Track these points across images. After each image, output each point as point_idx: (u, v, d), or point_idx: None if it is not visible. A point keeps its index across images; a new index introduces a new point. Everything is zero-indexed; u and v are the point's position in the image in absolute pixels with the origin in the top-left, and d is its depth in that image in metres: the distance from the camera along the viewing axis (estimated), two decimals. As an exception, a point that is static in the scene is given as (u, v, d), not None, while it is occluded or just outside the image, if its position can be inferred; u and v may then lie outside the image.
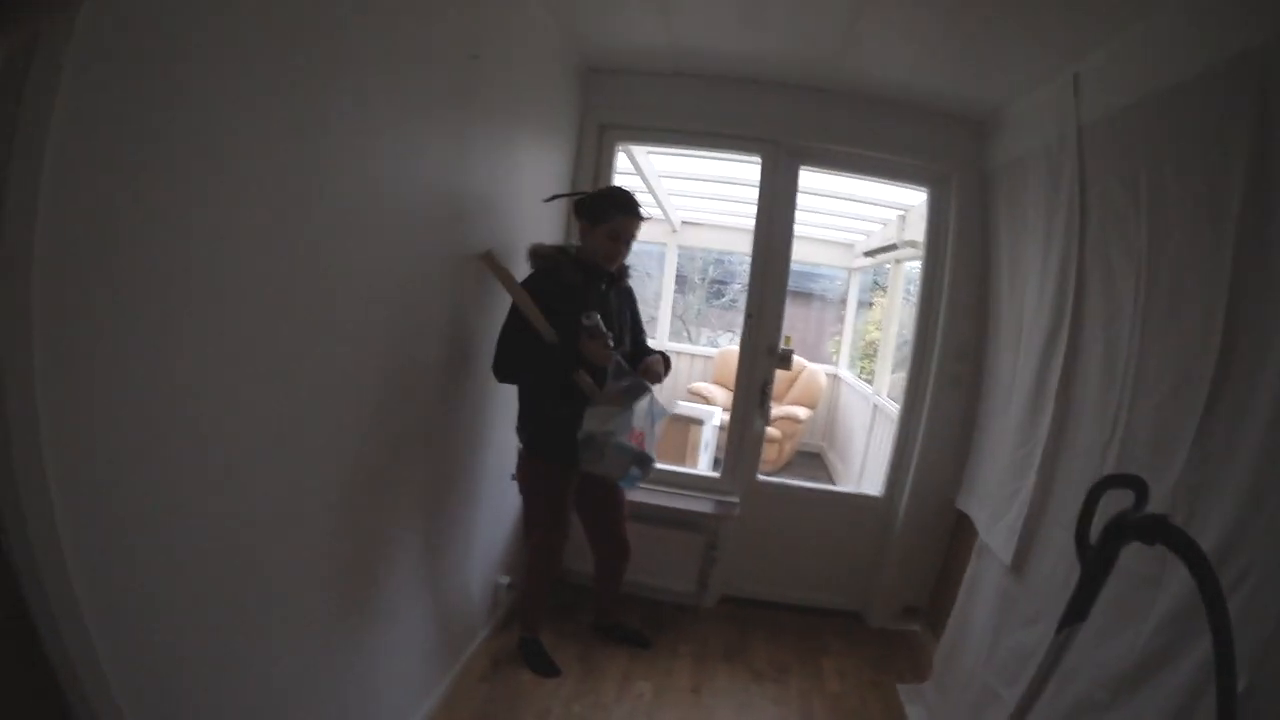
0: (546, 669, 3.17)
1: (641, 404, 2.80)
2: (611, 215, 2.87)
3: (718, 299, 12.41)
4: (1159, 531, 1.43)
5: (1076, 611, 1.63)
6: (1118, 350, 2.30)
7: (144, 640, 1.34)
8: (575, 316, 2.73)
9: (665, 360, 3.09)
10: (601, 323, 2.74)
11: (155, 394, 1.30)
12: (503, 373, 2.75)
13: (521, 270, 2.85)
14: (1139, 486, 1.55)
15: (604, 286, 2.96)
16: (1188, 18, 2.05)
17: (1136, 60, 2.33)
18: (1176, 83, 2.09)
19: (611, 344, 2.77)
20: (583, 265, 2.89)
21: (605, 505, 3.20)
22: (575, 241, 3.05)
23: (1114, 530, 1.52)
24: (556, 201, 3.27)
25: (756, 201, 3.91)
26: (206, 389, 1.41)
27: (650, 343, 3.32)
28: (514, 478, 3.16)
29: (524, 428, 2.98)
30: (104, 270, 1.17)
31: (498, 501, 3.28)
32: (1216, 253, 1.84)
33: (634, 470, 2.78)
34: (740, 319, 4.01)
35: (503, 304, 2.79)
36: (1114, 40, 2.42)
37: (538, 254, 2.86)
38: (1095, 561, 1.58)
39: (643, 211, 2.94)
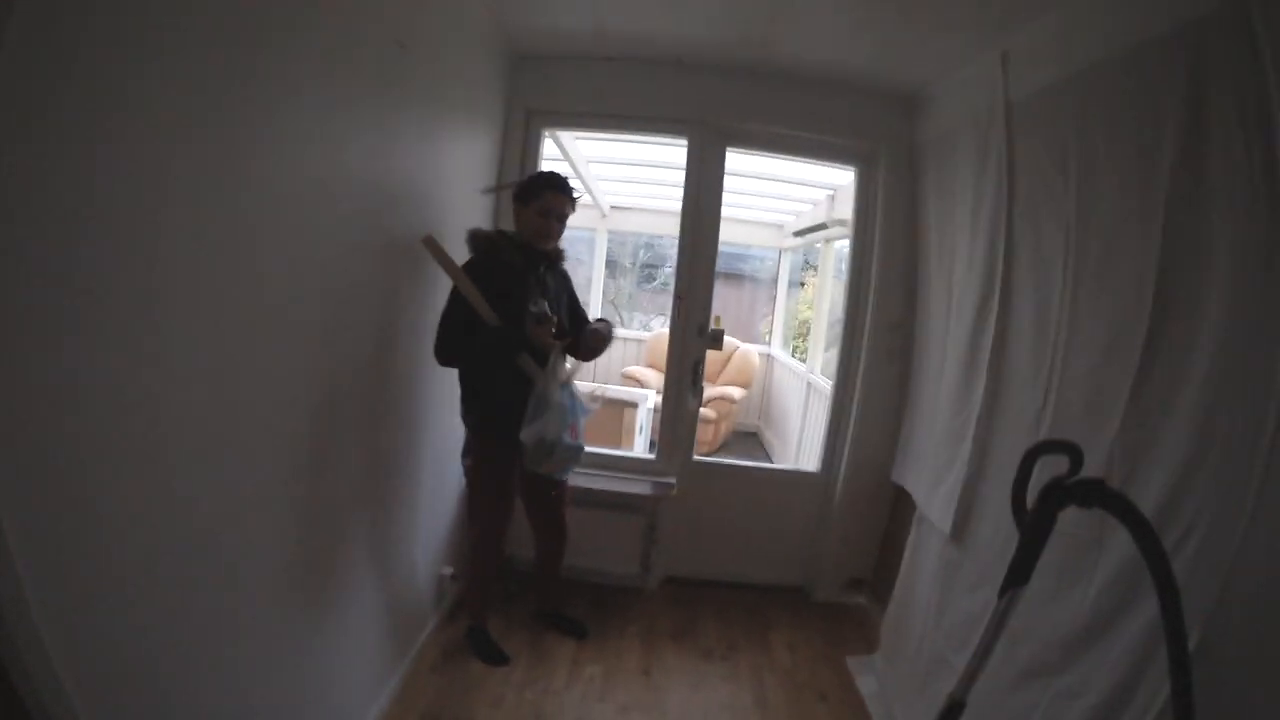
0: (495, 657, 3.16)
1: (574, 399, 2.86)
2: (541, 193, 2.91)
3: (649, 283, 12.41)
4: (1095, 495, 1.47)
5: (1018, 575, 1.66)
6: (1048, 316, 2.35)
7: (91, 638, 1.30)
8: (516, 298, 2.76)
9: (608, 326, 3.12)
10: (548, 308, 2.79)
11: (94, 392, 1.25)
12: (443, 355, 2.76)
13: (459, 255, 2.82)
14: (1073, 452, 1.58)
15: (542, 269, 2.97)
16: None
17: (1065, 37, 2.37)
18: (1107, 57, 2.13)
19: (555, 330, 2.81)
20: (520, 246, 2.91)
21: (546, 489, 3.19)
22: (509, 228, 3.06)
23: (1049, 495, 1.56)
24: (485, 189, 3.28)
25: (684, 183, 3.91)
26: (143, 385, 1.36)
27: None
28: (464, 459, 3.15)
29: (470, 411, 2.98)
30: (39, 271, 1.12)
31: (438, 489, 3.24)
32: (1146, 220, 1.89)
33: (572, 464, 2.86)
34: (671, 301, 4.01)
35: (438, 288, 2.78)
36: (1044, 17, 2.47)
37: (477, 238, 2.88)
38: (1033, 526, 1.61)
39: (572, 190, 2.97)
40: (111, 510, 1.33)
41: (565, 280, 3.17)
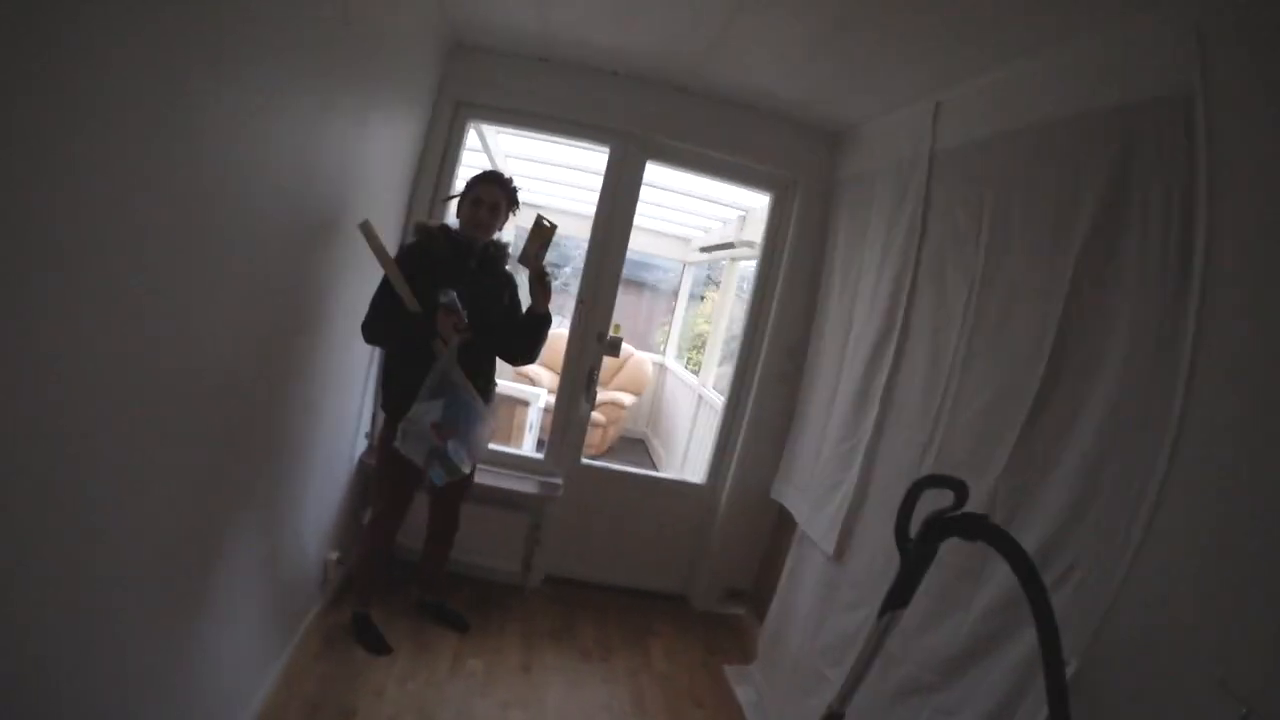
0: (378, 646, 3.13)
1: (455, 401, 2.82)
2: (474, 184, 2.99)
3: (552, 281, 12.34)
4: (979, 529, 1.58)
5: (897, 599, 1.76)
6: (943, 358, 2.49)
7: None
8: (438, 288, 2.79)
9: (537, 319, 3.07)
10: (457, 300, 2.78)
11: None
12: (369, 334, 2.86)
13: (386, 241, 2.82)
14: (958, 487, 1.69)
15: (474, 265, 2.99)
16: (1061, 68, 2.22)
17: (1001, 97, 2.50)
18: (1038, 121, 2.26)
19: (464, 323, 2.80)
20: (455, 242, 2.95)
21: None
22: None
23: (933, 526, 1.67)
24: (400, 178, 3.39)
25: (600, 191, 3.95)
26: (38, 367, 1.29)
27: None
28: (366, 436, 3.11)
29: (384, 395, 3.02)
30: None
31: (328, 473, 3.16)
32: (1053, 281, 2.01)
33: (435, 466, 2.79)
34: (570, 302, 4.04)
35: (353, 273, 2.77)
36: (981, 77, 2.60)
37: (419, 229, 2.95)
38: (916, 553, 1.72)
39: (509, 184, 3.05)
40: None
41: (507, 280, 3.17)
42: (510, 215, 3.10)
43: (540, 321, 3.05)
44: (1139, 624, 1.59)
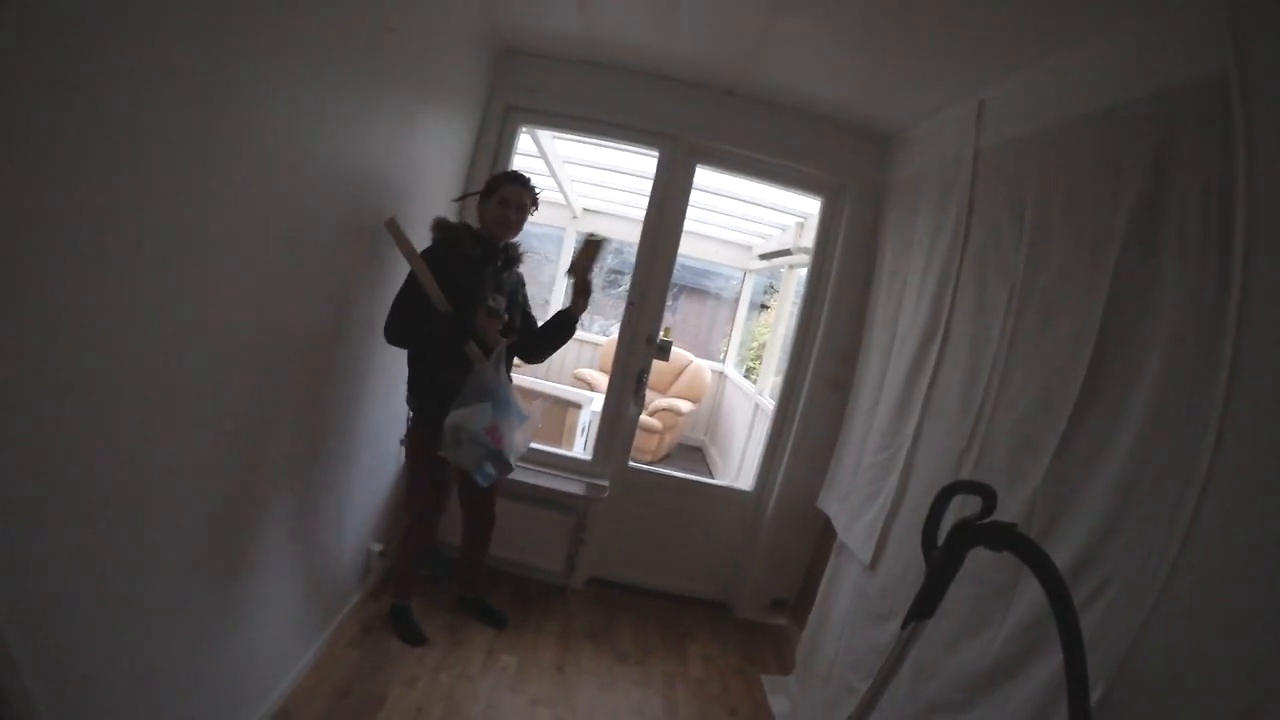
0: (414, 637, 3.18)
1: (506, 403, 2.84)
2: (500, 184, 2.99)
3: (613, 289, 12.39)
4: (1005, 538, 1.51)
5: (922, 609, 1.69)
6: (982, 365, 2.41)
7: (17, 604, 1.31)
8: (469, 288, 2.82)
9: (569, 322, 3.17)
10: (503, 308, 2.85)
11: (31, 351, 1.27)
12: (392, 335, 2.79)
13: (424, 240, 2.86)
14: (987, 494, 1.61)
15: (499, 264, 3.02)
16: (1100, 58, 2.14)
17: (1042, 93, 2.42)
18: (1077, 116, 2.19)
19: (502, 327, 2.85)
20: (481, 241, 2.96)
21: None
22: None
23: (959, 534, 1.59)
24: (450, 181, 3.42)
25: (649, 194, 3.96)
26: (89, 348, 1.38)
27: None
28: (402, 442, 3.13)
29: (413, 393, 3.01)
30: None
31: (374, 468, 3.23)
32: (1093, 282, 1.93)
33: (487, 466, 2.80)
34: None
35: (395, 272, 2.79)
36: (1022, 72, 2.52)
37: (440, 226, 2.92)
38: (941, 562, 1.65)
39: (532, 185, 3.04)
40: (39, 478, 1.34)
41: (520, 282, 3.22)
42: (529, 214, 3.10)
43: (572, 324, 3.14)
44: (1170, 646, 1.49)
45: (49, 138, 1.18)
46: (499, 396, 2.80)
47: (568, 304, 3.14)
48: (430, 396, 2.91)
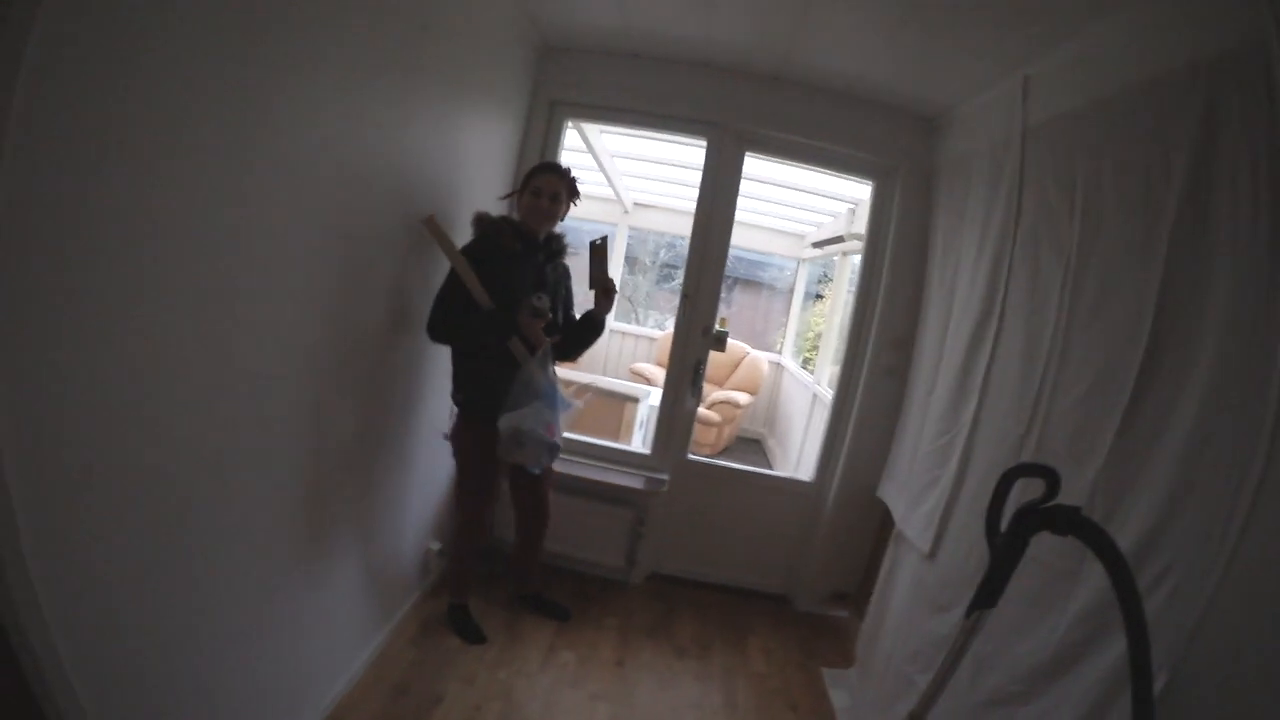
0: (473, 635, 3.20)
1: (554, 398, 2.85)
2: (533, 175, 3.00)
3: (667, 282, 12.38)
4: (1070, 522, 1.45)
5: (985, 597, 1.64)
6: (1039, 345, 2.34)
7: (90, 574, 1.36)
8: (512, 284, 2.82)
9: (597, 324, 3.17)
10: (548, 306, 2.84)
11: (115, 347, 1.34)
12: (436, 333, 2.79)
13: (464, 236, 2.87)
14: (1050, 476, 1.55)
15: (541, 258, 3.00)
16: (1139, 26, 2.07)
17: (1085, 65, 2.36)
18: (1122, 87, 2.12)
19: (546, 325, 2.87)
20: (522, 235, 2.94)
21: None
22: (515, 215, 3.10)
23: (1023, 518, 1.54)
24: (497, 177, 3.42)
25: (699, 184, 3.93)
26: (165, 342, 1.45)
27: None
28: (446, 437, 3.15)
29: (459, 390, 3.01)
30: (52, 259, 1.18)
31: (430, 466, 3.27)
32: (1148, 255, 1.86)
33: (544, 458, 2.83)
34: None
35: (441, 268, 2.81)
36: (1066, 45, 2.45)
37: (481, 221, 2.91)
38: (1005, 548, 1.60)
39: (568, 173, 3.04)
40: (116, 471, 1.40)
41: (565, 274, 3.20)
42: (571, 205, 3.08)
43: (599, 326, 3.15)
44: (1232, 634, 1.44)
45: (102, 144, 1.22)
46: (548, 393, 2.80)
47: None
48: (476, 392, 2.93)
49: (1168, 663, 1.49)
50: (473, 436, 2.95)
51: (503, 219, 2.96)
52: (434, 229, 2.66)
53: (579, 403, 2.96)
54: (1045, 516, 1.51)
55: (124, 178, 1.26)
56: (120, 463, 1.39)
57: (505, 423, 2.73)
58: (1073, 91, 2.40)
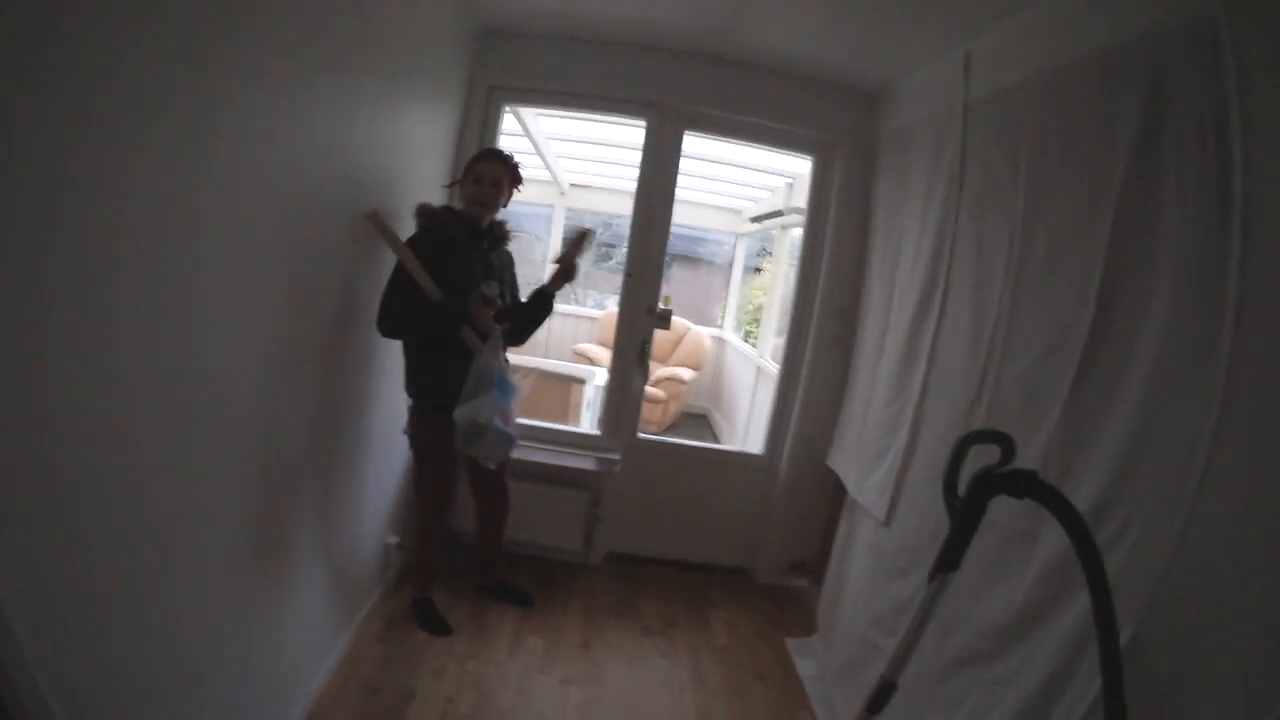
0: (439, 627, 3.18)
1: (507, 384, 2.86)
2: (473, 163, 2.98)
3: (605, 261, 12.32)
4: (1027, 486, 1.50)
5: (948, 561, 1.69)
6: (986, 313, 2.40)
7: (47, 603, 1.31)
8: (459, 273, 2.81)
9: (546, 299, 3.20)
10: (496, 293, 2.86)
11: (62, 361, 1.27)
12: (385, 327, 2.74)
13: (407, 228, 2.83)
14: (1005, 443, 1.61)
15: (486, 245, 3.00)
16: (1081, 4, 2.13)
17: (1028, 40, 2.41)
18: (1068, 60, 2.16)
19: (496, 312, 2.88)
20: (465, 223, 2.93)
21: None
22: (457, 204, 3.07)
23: (981, 483, 1.58)
24: (437, 166, 3.41)
25: (640, 164, 3.92)
26: (107, 357, 1.39)
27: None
28: (405, 432, 3.13)
29: (412, 383, 2.99)
30: None
31: (385, 461, 3.23)
32: (1094, 224, 1.92)
33: (501, 451, 2.85)
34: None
35: (389, 262, 2.77)
36: (1007, 20, 2.50)
37: (422, 212, 2.87)
38: (964, 513, 1.64)
39: (510, 159, 3.02)
40: (74, 476, 1.35)
41: (509, 261, 3.19)
42: (513, 192, 3.07)
43: (549, 303, 3.16)
44: (1196, 585, 1.50)
45: (38, 141, 1.16)
46: (500, 380, 2.80)
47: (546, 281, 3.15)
48: (429, 384, 2.92)
49: (1132, 616, 1.55)
50: (429, 428, 2.94)
51: (444, 208, 2.94)
52: (378, 224, 2.61)
53: (524, 385, 2.98)
54: (1002, 481, 1.56)
55: (72, 178, 1.22)
56: (69, 471, 1.34)
57: (462, 414, 2.71)
58: (1016, 65, 2.45)
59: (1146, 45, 1.83)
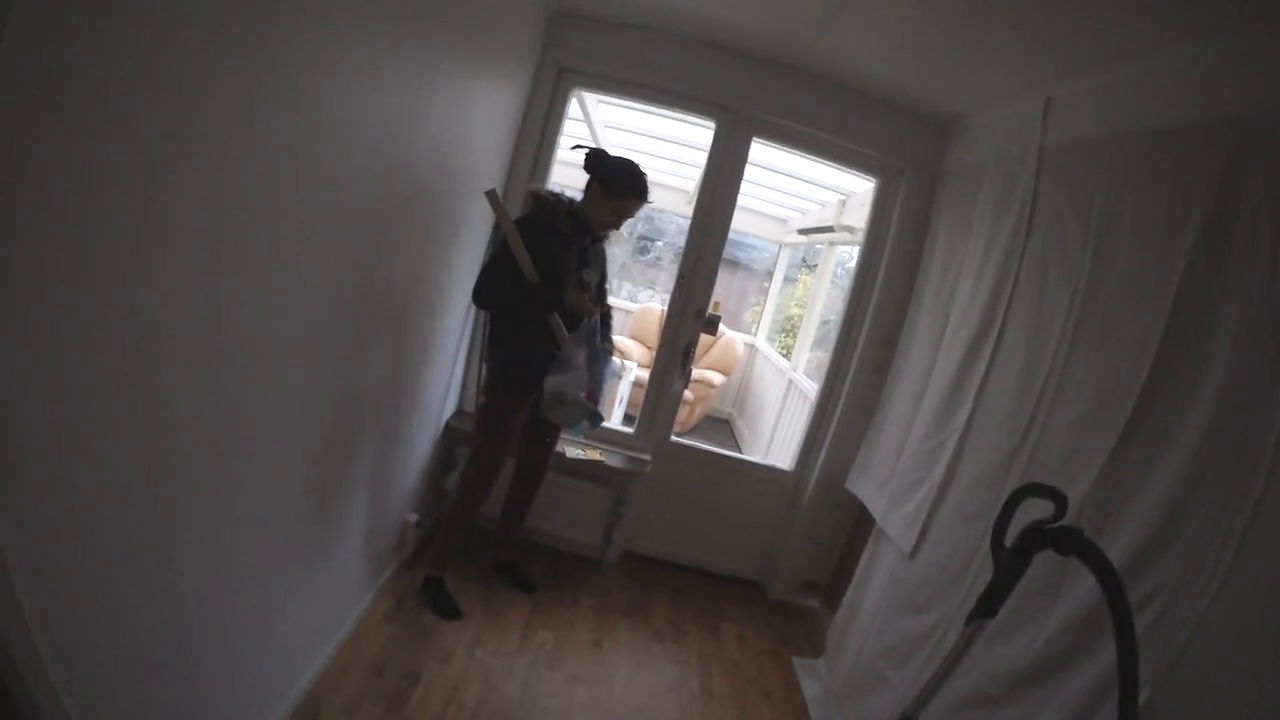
0: (449, 611, 3.17)
1: (599, 366, 3.03)
2: (626, 194, 2.98)
3: (643, 255, 12.33)
4: (1074, 544, 1.51)
5: (986, 608, 1.71)
6: (1040, 363, 2.39)
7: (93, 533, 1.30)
8: (558, 262, 2.88)
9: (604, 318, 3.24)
10: (594, 282, 2.96)
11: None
12: (481, 298, 2.89)
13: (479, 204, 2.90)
14: (1059, 499, 1.64)
15: (589, 241, 3.05)
16: (1175, 69, 2.11)
17: (1111, 96, 2.39)
18: (1149, 125, 2.16)
19: (595, 302, 2.97)
20: (575, 217, 2.96)
21: (544, 434, 3.31)
22: (544, 187, 3.13)
23: (1030, 536, 1.61)
24: (500, 144, 3.40)
25: (704, 165, 3.90)
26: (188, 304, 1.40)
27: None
28: (479, 398, 3.20)
29: (493, 355, 3.05)
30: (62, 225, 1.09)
31: (416, 440, 3.25)
32: (1158, 292, 1.92)
33: (584, 423, 2.99)
34: (662, 277, 4.02)
35: (463, 242, 2.88)
36: (1092, 74, 2.48)
37: (537, 197, 2.96)
38: (1010, 563, 1.66)
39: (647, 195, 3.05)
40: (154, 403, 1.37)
41: (603, 258, 3.23)
42: None
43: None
44: (1215, 660, 1.53)
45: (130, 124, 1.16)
46: (592, 362, 2.95)
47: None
48: (508, 358, 2.99)
49: (1150, 681, 1.57)
50: (497, 399, 3.00)
51: (558, 200, 2.98)
52: (494, 201, 2.73)
53: (618, 376, 3.07)
54: (1051, 536, 1.57)
55: (134, 162, 1.19)
56: (107, 443, 1.30)
57: (550, 384, 2.87)
58: (1096, 120, 2.44)
59: (1226, 126, 1.84)
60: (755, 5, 3.09)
